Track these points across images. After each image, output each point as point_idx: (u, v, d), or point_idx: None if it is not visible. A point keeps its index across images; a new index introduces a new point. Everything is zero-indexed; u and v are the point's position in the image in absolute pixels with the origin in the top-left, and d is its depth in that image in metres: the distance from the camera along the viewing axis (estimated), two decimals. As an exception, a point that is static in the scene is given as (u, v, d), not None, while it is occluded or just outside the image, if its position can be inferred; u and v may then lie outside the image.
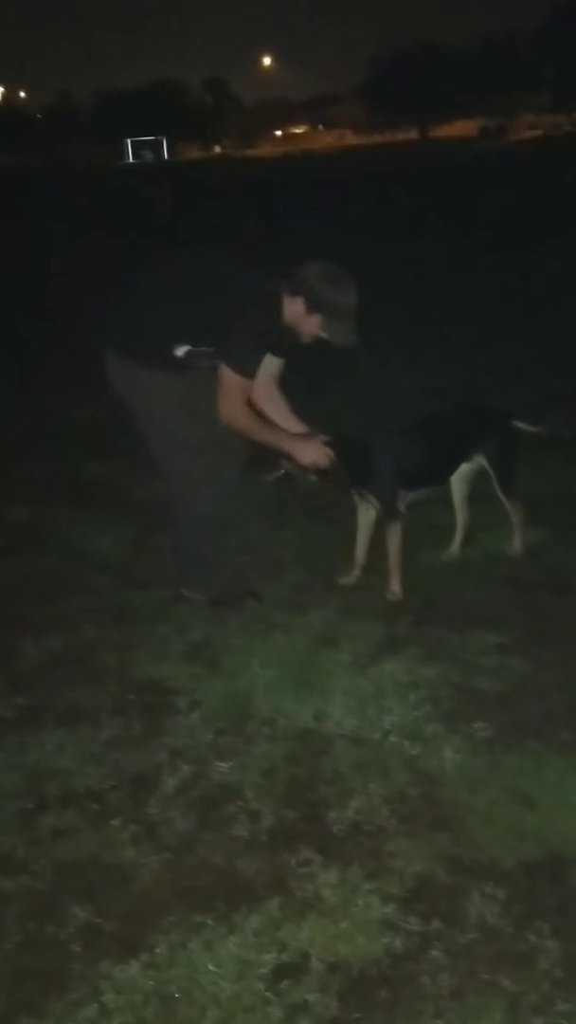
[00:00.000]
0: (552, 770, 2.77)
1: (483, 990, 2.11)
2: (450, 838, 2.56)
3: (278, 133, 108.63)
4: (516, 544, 4.22)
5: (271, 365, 3.66)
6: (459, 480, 4.15)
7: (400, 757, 2.88)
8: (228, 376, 3.47)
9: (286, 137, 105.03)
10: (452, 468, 4.09)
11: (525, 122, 72.50)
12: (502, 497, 4.11)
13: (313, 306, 3.44)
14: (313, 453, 3.63)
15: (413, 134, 78.89)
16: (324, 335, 3.51)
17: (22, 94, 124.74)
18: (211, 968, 2.19)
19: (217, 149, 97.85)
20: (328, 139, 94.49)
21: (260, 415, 3.62)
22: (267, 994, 2.12)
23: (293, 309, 3.48)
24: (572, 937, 2.24)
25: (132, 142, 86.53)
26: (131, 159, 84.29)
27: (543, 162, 33.56)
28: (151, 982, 2.17)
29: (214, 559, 3.87)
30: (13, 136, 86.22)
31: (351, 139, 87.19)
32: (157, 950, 2.25)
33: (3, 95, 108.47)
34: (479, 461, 4.07)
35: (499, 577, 4.02)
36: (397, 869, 2.46)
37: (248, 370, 3.46)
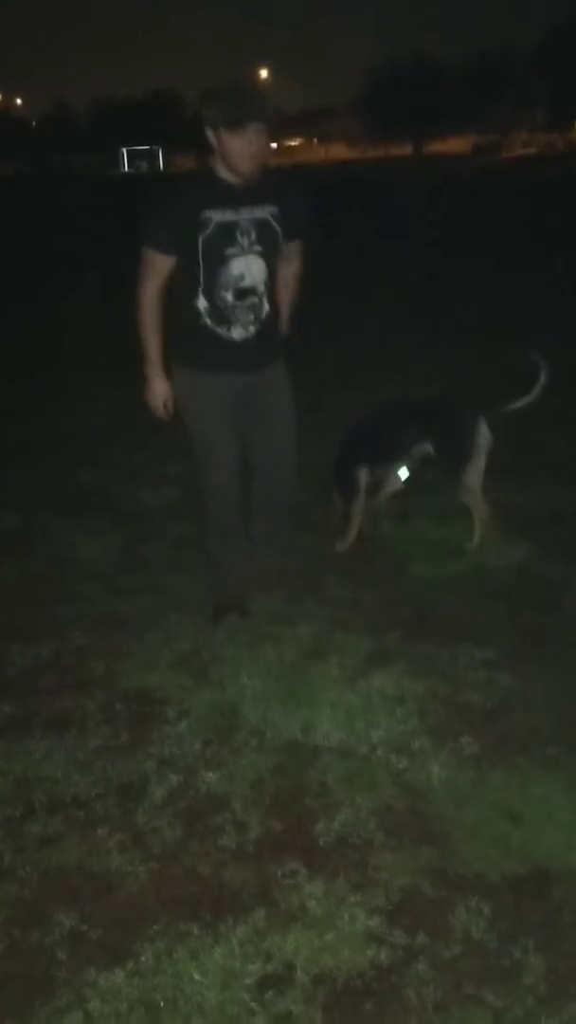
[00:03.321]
0: (538, 786, 2.79)
1: (467, 1004, 2.12)
2: (436, 852, 2.57)
3: (273, 146, 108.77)
4: (475, 539, 4.40)
5: (288, 250, 3.59)
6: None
7: (387, 771, 2.89)
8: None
9: (281, 149, 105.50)
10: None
11: (519, 140, 72.94)
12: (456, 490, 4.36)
13: (211, 122, 3.26)
14: (152, 401, 3.62)
15: (408, 149, 79.26)
16: (229, 143, 3.23)
17: (18, 101, 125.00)
18: (196, 977, 2.19)
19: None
20: (323, 152, 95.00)
21: (152, 314, 3.46)
22: (252, 1004, 2.13)
23: (215, 146, 3.31)
24: (557, 953, 2.25)
25: (127, 151, 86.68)
26: (126, 169, 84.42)
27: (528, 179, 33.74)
28: (136, 990, 2.17)
29: (216, 565, 3.90)
30: (7, 143, 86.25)
31: (342, 152, 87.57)
32: (142, 958, 2.25)
33: (0, 102, 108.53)
34: (424, 449, 4.37)
35: (487, 593, 4.03)
36: (383, 882, 2.47)
37: (143, 239, 3.41)
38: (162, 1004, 2.13)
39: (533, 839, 2.59)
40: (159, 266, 3.41)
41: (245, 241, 3.38)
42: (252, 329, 3.51)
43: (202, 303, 3.43)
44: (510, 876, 2.47)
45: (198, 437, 3.64)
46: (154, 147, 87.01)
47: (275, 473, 3.83)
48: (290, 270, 3.71)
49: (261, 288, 3.48)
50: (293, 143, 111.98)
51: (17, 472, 5.73)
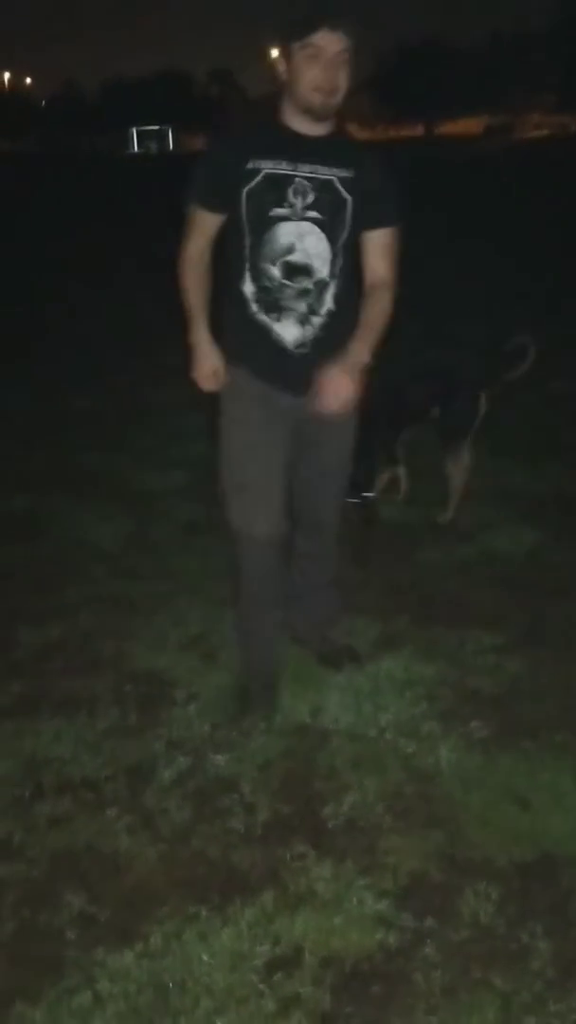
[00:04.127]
0: (547, 771, 2.79)
1: (475, 988, 2.13)
2: (444, 836, 2.57)
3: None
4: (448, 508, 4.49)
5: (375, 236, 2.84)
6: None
7: (396, 754, 2.90)
8: None
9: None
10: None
11: (531, 121, 72.38)
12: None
13: (281, 40, 2.69)
14: (200, 370, 2.97)
15: (419, 130, 78.73)
16: (300, 67, 2.64)
17: (28, 80, 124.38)
18: (205, 959, 2.20)
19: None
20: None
21: (196, 270, 2.90)
22: (260, 986, 2.13)
23: (283, 78, 2.72)
24: (565, 937, 2.25)
25: (137, 131, 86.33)
26: (136, 149, 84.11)
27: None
28: (145, 971, 2.18)
29: (246, 638, 3.26)
30: (16, 122, 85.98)
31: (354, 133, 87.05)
32: (151, 940, 2.26)
33: (9, 81, 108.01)
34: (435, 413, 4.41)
35: (497, 578, 4.03)
36: (391, 866, 2.47)
37: (187, 196, 2.85)
38: (171, 985, 2.14)
39: (541, 824, 2.59)
40: (204, 225, 2.85)
41: (299, 202, 2.70)
42: (308, 330, 2.84)
43: (248, 287, 2.81)
44: (518, 861, 2.47)
45: (236, 465, 2.95)
46: (164, 127, 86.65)
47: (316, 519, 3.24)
48: (375, 273, 2.86)
49: (321, 270, 2.77)
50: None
51: (25, 454, 5.72)
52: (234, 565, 3.08)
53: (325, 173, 2.71)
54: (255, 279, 2.79)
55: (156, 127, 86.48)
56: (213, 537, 4.38)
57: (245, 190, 2.70)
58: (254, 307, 2.83)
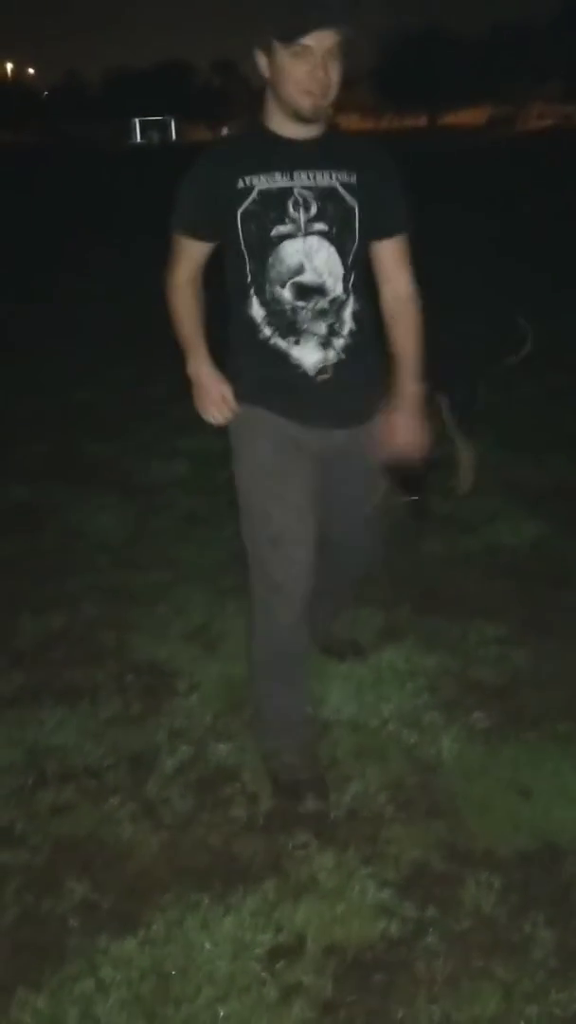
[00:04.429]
0: (549, 761, 2.79)
1: (477, 977, 2.13)
2: (446, 826, 2.57)
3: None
4: (462, 483, 4.60)
5: (388, 244, 2.53)
6: None
7: (398, 745, 2.90)
8: None
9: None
10: None
11: (535, 112, 72.16)
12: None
13: (263, 38, 2.33)
14: (204, 401, 2.66)
15: (422, 121, 78.55)
16: (287, 68, 2.29)
17: (30, 71, 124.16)
18: (207, 947, 2.21)
19: (225, 131, 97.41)
20: (334, 124, 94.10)
21: (186, 298, 2.61)
22: (263, 974, 2.14)
23: (267, 78, 2.38)
24: (566, 927, 2.26)
25: (140, 122, 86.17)
26: (138, 139, 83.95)
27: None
28: (147, 959, 2.18)
29: (267, 714, 2.83)
30: (18, 113, 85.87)
31: (355, 124, 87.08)
32: (154, 927, 2.26)
33: (12, 71, 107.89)
34: None
35: (499, 568, 4.02)
36: (393, 855, 2.47)
37: (173, 222, 2.54)
38: (173, 973, 2.15)
39: (543, 814, 2.59)
40: (192, 253, 2.56)
41: (300, 216, 2.37)
42: (330, 353, 2.48)
43: (257, 310, 2.46)
44: (520, 851, 2.48)
45: (255, 511, 2.59)
46: (166, 117, 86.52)
47: (347, 554, 2.91)
48: (395, 288, 2.58)
49: (335, 288, 2.44)
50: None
51: (27, 444, 5.72)
52: (263, 629, 2.67)
53: (325, 179, 2.39)
54: (264, 303, 2.45)
55: (159, 118, 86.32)
56: (214, 528, 4.40)
57: (240, 212, 2.38)
58: (267, 331, 2.47)
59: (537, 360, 4.36)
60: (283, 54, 2.28)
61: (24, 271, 12.28)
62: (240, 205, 2.37)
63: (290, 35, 2.25)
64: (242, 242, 2.41)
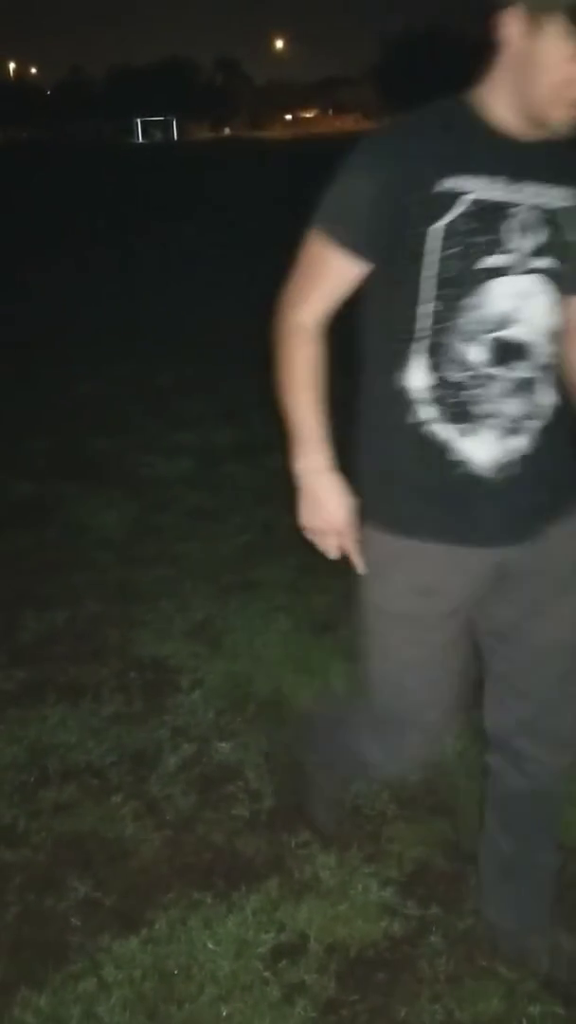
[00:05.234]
0: (553, 760, 2.77)
1: (480, 976, 2.12)
2: (449, 824, 2.56)
3: (288, 117, 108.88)
4: None
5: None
6: None
7: (401, 743, 2.88)
8: None
9: (295, 121, 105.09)
10: None
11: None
12: None
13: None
14: (319, 527, 1.98)
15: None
16: (562, 64, 1.58)
17: (33, 70, 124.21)
18: (210, 946, 2.20)
19: (227, 131, 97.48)
20: (336, 124, 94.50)
21: (318, 363, 1.83)
22: (265, 973, 2.13)
23: (508, 39, 1.63)
24: (568, 927, 2.24)
25: (142, 121, 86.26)
26: (140, 139, 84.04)
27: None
28: (150, 957, 2.17)
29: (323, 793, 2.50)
30: (21, 111, 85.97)
31: (354, 124, 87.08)
32: (156, 926, 2.25)
33: (15, 70, 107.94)
34: None
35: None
36: (396, 853, 2.46)
37: (316, 225, 1.76)
38: (175, 972, 2.14)
39: (547, 813, 2.58)
40: (340, 273, 1.77)
41: (526, 245, 1.68)
42: (517, 443, 1.75)
43: (419, 380, 1.73)
44: (524, 850, 2.46)
45: (390, 663, 1.97)
46: (168, 117, 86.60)
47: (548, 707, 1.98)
48: None
49: (544, 350, 1.75)
50: (308, 115, 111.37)
51: (32, 439, 5.71)
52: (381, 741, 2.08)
53: (554, 201, 1.69)
54: (436, 367, 1.71)
55: (161, 117, 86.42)
56: (219, 523, 4.39)
57: (437, 226, 1.64)
58: (427, 413, 1.74)
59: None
60: (561, 42, 1.57)
61: (26, 268, 12.26)
62: (441, 217, 1.64)
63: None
64: (425, 272, 1.67)
